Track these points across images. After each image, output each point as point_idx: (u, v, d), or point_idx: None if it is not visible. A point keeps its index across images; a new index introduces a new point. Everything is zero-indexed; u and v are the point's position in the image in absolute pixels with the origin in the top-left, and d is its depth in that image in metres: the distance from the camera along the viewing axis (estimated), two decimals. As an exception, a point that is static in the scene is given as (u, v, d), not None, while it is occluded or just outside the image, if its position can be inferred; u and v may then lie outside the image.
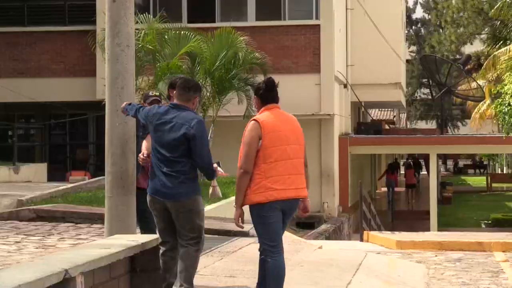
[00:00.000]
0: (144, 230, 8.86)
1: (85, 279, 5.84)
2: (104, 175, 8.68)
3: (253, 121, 7.50)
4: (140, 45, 18.71)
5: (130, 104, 8.20)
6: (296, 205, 7.58)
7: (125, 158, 8.38)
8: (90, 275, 5.98)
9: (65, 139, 30.56)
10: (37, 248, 10.83)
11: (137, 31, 17.32)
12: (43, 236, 12.22)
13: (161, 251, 7.65)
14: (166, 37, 19.90)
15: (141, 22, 19.33)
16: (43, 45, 27.42)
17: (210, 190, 8.14)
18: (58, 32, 27.45)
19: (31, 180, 21.93)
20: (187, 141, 7.47)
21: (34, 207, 14.63)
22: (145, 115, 7.83)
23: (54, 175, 24.99)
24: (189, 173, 7.52)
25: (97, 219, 13.37)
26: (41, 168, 23.77)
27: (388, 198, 41.43)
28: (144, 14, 19.96)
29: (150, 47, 19.29)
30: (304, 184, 7.57)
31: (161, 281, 7.61)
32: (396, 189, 43.56)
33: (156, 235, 7.74)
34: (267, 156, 7.37)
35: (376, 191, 46.31)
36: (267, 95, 7.62)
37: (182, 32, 20.12)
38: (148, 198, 7.70)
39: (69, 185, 18.71)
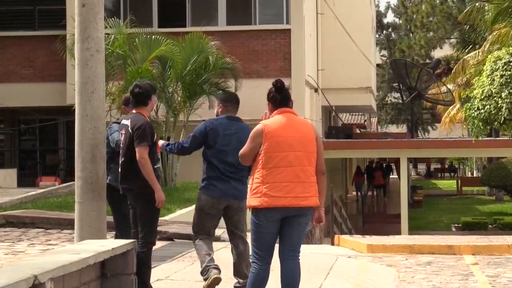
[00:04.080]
0: (122, 236, 8.79)
1: (55, 285, 5.80)
2: (74, 180, 8.64)
3: (258, 125, 7.43)
4: (110, 50, 18.65)
5: (168, 144, 8.91)
6: (304, 213, 7.34)
7: (95, 163, 8.34)
8: (60, 281, 5.95)
9: (35, 145, 30.36)
10: (6, 254, 10.77)
11: (107, 36, 17.26)
12: (12, 242, 12.15)
13: (199, 241, 8.54)
14: (136, 41, 19.85)
15: (110, 27, 19.26)
16: (12, 50, 27.22)
17: None
18: (27, 37, 27.26)
19: (0, 186, 21.78)
20: None
21: (4, 213, 14.56)
22: (205, 131, 8.44)
23: (24, 181, 24.85)
24: (247, 177, 8.38)
25: (67, 224, 13.33)
26: (10, 174, 23.60)
27: (358, 198, 43.86)
28: (114, 19, 19.88)
29: (120, 51, 19.22)
30: (310, 192, 7.30)
31: (202, 257, 8.46)
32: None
33: (128, 240, 7.72)
34: (267, 161, 7.26)
35: (347, 195, 46.54)
36: (276, 97, 7.54)
37: (153, 37, 20.09)
38: (212, 201, 8.43)
39: (39, 191, 18.62)
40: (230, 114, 8.59)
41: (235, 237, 8.59)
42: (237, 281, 8.53)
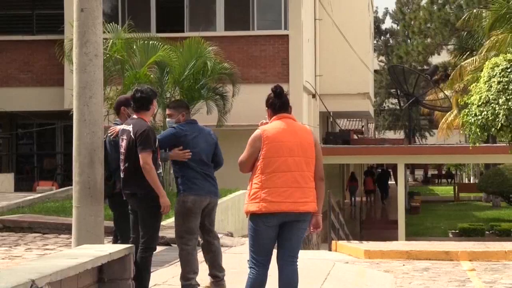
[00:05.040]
0: (123, 240, 8.76)
1: (52, 289, 5.80)
2: (72, 185, 8.64)
3: (257, 130, 7.41)
4: (108, 55, 18.65)
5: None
6: (303, 219, 7.33)
7: (93, 167, 8.34)
8: (57, 286, 5.94)
9: (33, 149, 30.35)
10: (3, 258, 10.76)
11: (105, 40, 17.26)
12: (9, 247, 12.14)
13: (188, 246, 8.59)
14: (134, 46, 19.85)
15: (109, 31, 19.26)
16: (10, 54, 27.21)
17: None
18: (26, 41, 27.25)
19: (-3, 190, 21.77)
20: (214, 147, 8.90)
21: (1, 217, 14.54)
22: (170, 137, 8.71)
23: (21, 185, 24.83)
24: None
25: (65, 229, 13.31)
26: (8, 178, 23.58)
27: (352, 202, 46.05)
28: (112, 24, 19.88)
29: (118, 56, 19.23)
30: (308, 198, 7.29)
31: (188, 273, 8.56)
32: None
33: (126, 245, 7.70)
34: (265, 166, 7.23)
35: (345, 200, 46.56)
36: (276, 102, 7.50)
37: (151, 42, 20.08)
38: (200, 199, 8.63)
39: (37, 195, 18.59)
40: (189, 119, 8.94)
41: (210, 233, 8.92)
42: (214, 278, 8.83)
